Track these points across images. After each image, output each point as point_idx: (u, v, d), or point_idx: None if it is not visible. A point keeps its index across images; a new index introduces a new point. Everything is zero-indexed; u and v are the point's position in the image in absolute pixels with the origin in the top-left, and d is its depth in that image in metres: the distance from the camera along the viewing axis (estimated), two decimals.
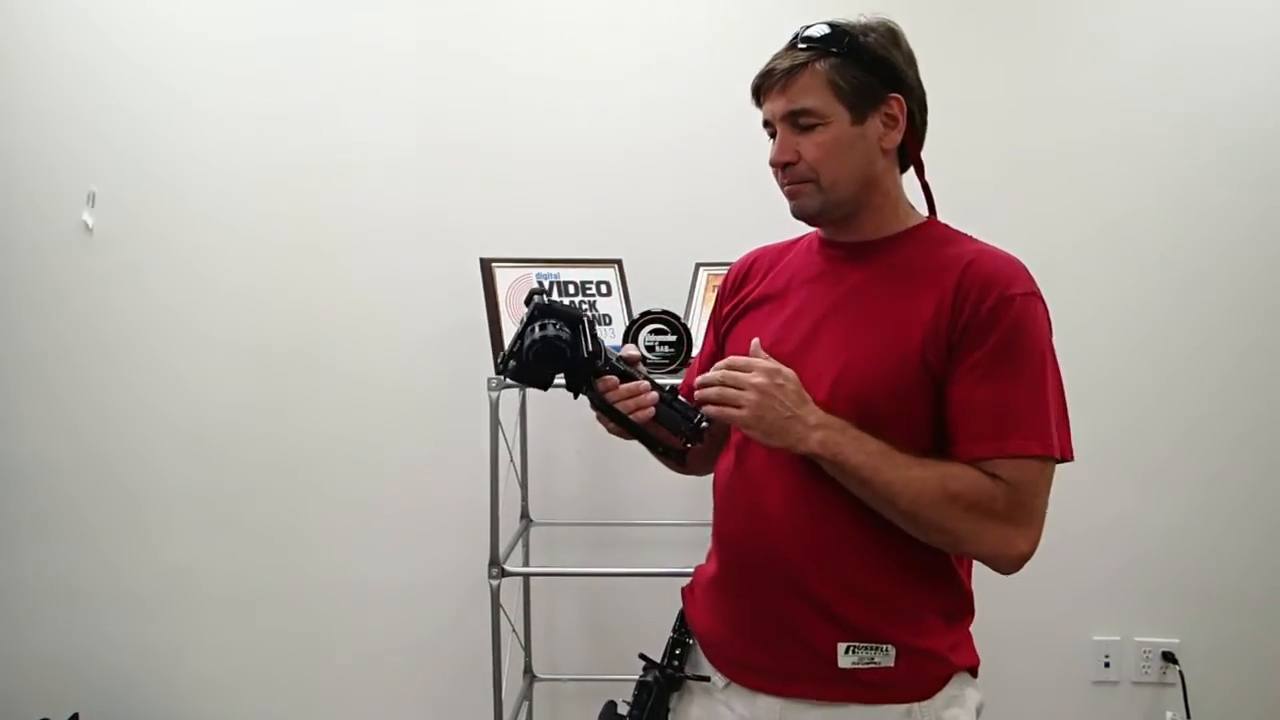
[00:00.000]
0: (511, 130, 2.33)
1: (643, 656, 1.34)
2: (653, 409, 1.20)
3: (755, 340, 1.17)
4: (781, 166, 1.20)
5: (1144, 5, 2.30)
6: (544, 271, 2.12)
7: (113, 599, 2.40)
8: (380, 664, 2.41)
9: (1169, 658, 2.35)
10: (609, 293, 2.15)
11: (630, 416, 1.20)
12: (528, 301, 1.19)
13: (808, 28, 1.19)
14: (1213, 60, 2.28)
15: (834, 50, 1.16)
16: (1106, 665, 2.37)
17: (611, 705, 1.38)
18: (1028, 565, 1.19)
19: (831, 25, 1.18)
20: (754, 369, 1.11)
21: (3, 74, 2.35)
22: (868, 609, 1.15)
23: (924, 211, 1.28)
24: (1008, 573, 1.15)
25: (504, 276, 2.09)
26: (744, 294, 1.34)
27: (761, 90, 1.21)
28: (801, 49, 1.17)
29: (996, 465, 1.10)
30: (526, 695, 2.34)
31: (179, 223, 2.36)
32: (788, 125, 1.18)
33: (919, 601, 1.18)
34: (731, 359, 1.15)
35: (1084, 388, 2.31)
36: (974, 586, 1.30)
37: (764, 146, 1.23)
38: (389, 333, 2.36)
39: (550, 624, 2.42)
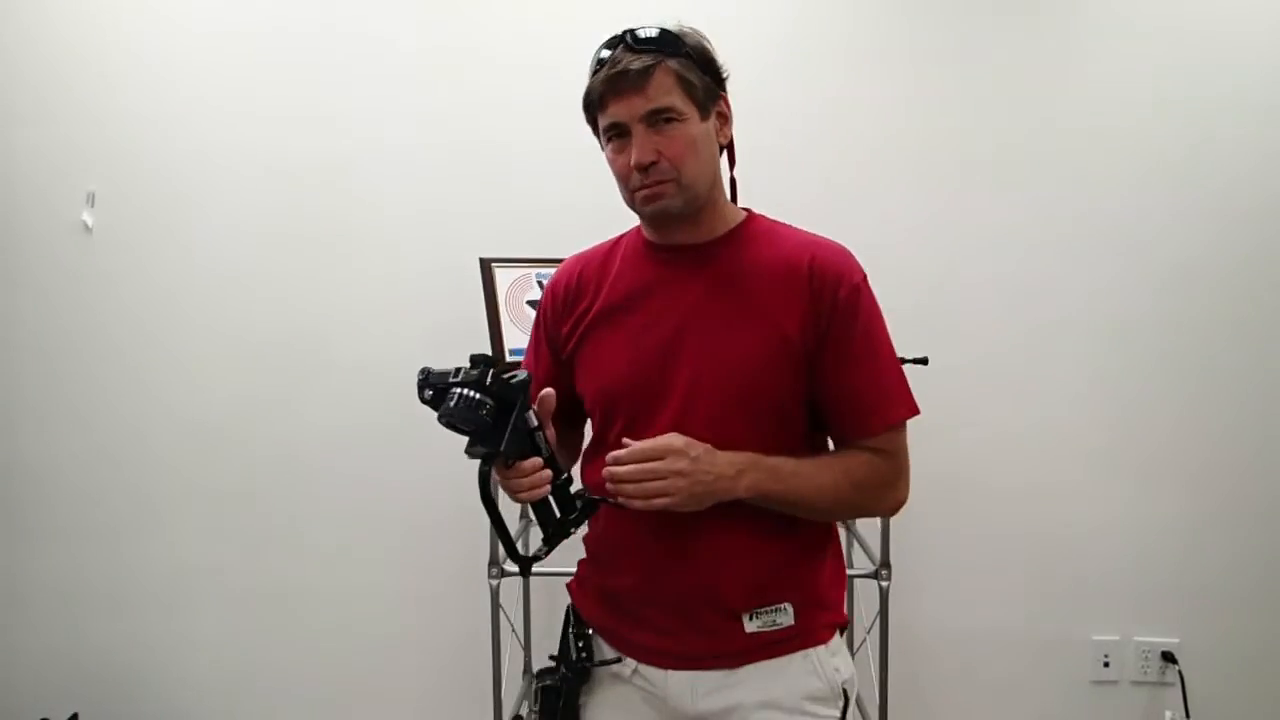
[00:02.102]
0: (512, 129, 2.33)
1: (553, 658, 1.37)
2: (547, 489, 1.16)
3: (626, 442, 1.16)
4: (644, 168, 1.19)
5: (1143, 5, 2.30)
6: (544, 272, 2.12)
7: (113, 599, 2.40)
8: (380, 663, 2.42)
9: (1168, 657, 2.35)
10: None
11: (515, 497, 1.17)
12: (473, 363, 1.12)
13: (638, 30, 1.21)
14: (1200, 53, 2.28)
15: (673, 51, 1.19)
16: (1106, 665, 2.37)
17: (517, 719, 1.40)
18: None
19: (659, 31, 1.21)
20: (668, 453, 1.14)
21: (3, 73, 2.35)
22: (762, 579, 1.23)
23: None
24: (893, 515, 1.33)
25: (504, 276, 2.09)
26: (582, 309, 1.32)
27: (609, 94, 1.19)
28: (642, 50, 1.18)
29: (878, 440, 1.23)
30: (526, 695, 2.34)
31: (181, 221, 2.37)
32: (644, 125, 1.18)
33: (806, 557, 1.27)
34: (636, 449, 1.14)
35: (1084, 387, 2.34)
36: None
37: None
38: (390, 331, 2.36)
39: (550, 624, 2.42)
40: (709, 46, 1.24)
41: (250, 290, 2.37)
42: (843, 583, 1.34)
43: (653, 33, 1.20)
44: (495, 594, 1.96)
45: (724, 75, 1.25)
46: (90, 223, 2.35)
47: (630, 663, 1.29)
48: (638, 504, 1.15)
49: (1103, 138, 2.30)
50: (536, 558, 1.22)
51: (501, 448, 1.11)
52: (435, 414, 1.11)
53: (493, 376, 1.10)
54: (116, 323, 2.38)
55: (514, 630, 2.23)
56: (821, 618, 1.27)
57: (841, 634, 1.32)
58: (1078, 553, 2.33)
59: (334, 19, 2.34)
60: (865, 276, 1.24)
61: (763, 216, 1.31)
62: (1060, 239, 2.31)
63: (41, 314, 2.38)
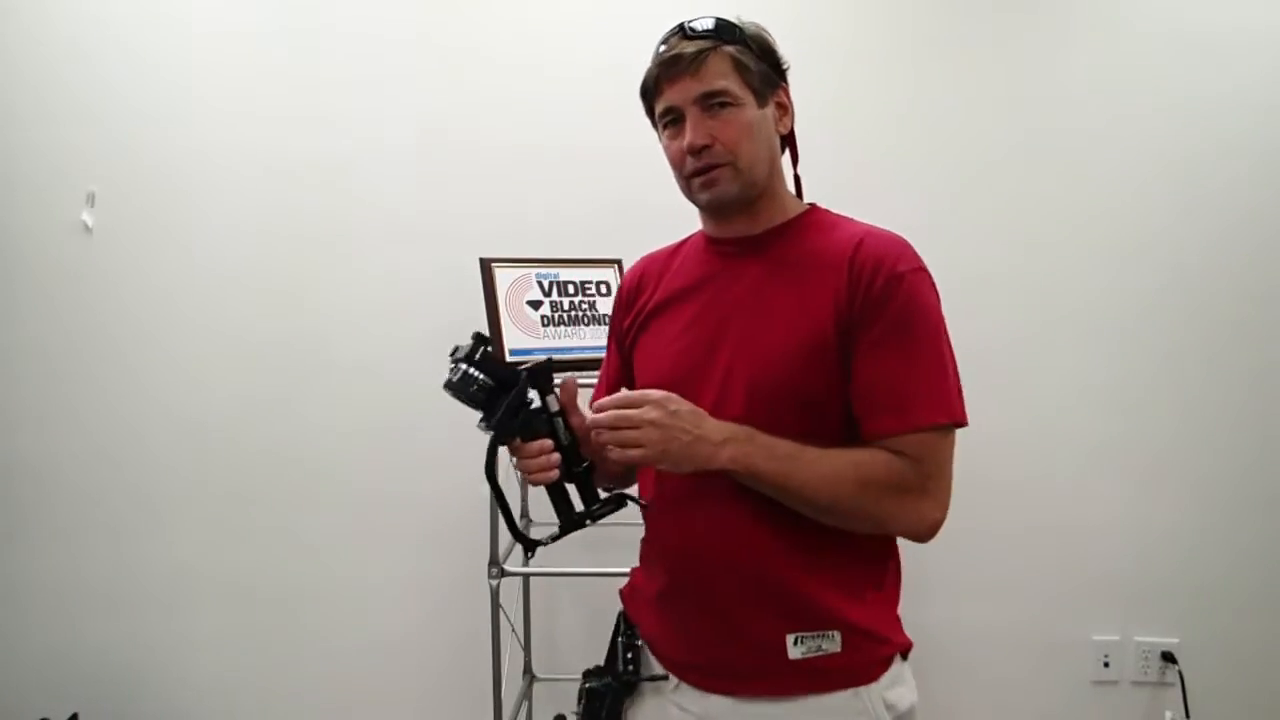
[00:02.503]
0: (512, 129, 2.33)
1: (587, 673, 1.35)
2: (555, 473, 1.16)
3: (622, 390, 1.16)
4: (698, 152, 1.18)
5: (1127, 1, 2.30)
6: (544, 272, 2.12)
7: (113, 598, 2.40)
8: (380, 664, 2.42)
9: (1168, 658, 2.35)
10: (608, 293, 2.15)
11: (525, 479, 1.18)
12: (476, 339, 1.15)
13: (694, 20, 1.20)
14: (1198, 53, 2.28)
15: (730, 39, 1.18)
16: (1106, 665, 2.37)
17: (560, 718, 1.38)
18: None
19: (718, 18, 1.20)
20: (645, 403, 1.11)
21: (4, 73, 2.35)
22: (809, 598, 1.16)
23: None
24: (924, 541, 1.16)
25: (504, 276, 2.09)
26: (641, 304, 1.34)
27: (664, 79, 1.19)
28: (697, 38, 1.18)
29: (901, 441, 1.13)
30: (526, 695, 2.34)
31: (181, 221, 2.37)
32: (699, 109, 1.18)
33: (855, 581, 1.19)
34: (618, 396, 1.13)
35: (1084, 387, 2.34)
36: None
37: None
38: (389, 332, 2.36)
39: (550, 624, 2.42)
40: (768, 37, 1.23)
41: (250, 290, 2.37)
42: (895, 598, 1.25)
43: (708, 22, 1.20)
44: (495, 594, 1.96)
45: (784, 66, 1.24)
46: (90, 223, 2.35)
47: (674, 680, 1.25)
48: (614, 455, 1.12)
49: (1104, 138, 2.30)
50: (541, 542, 1.21)
51: (492, 424, 1.12)
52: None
53: (482, 354, 1.13)
54: (116, 323, 2.38)
55: (514, 630, 2.23)
56: (873, 651, 1.18)
57: (904, 658, 1.24)
58: (1078, 553, 2.33)
59: (334, 19, 2.34)
60: (917, 269, 1.17)
61: (827, 211, 1.29)
62: (1062, 239, 2.31)
63: (41, 314, 2.38)
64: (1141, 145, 2.30)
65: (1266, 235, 2.30)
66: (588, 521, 1.19)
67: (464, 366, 1.12)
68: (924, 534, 1.16)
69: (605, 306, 2.16)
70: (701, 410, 1.13)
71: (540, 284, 2.10)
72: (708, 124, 1.18)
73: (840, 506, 1.14)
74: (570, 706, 2.43)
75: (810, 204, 1.29)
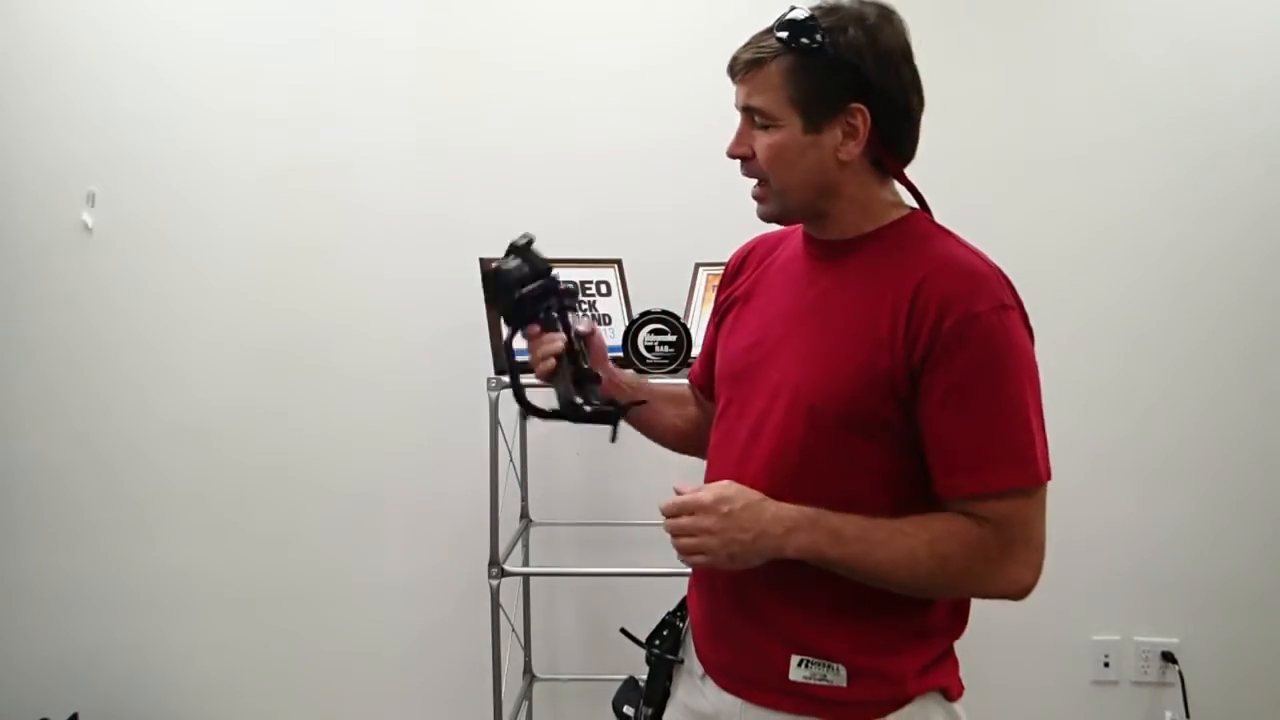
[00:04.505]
0: (511, 130, 2.33)
1: (624, 632, 1.34)
2: (551, 363, 1.24)
3: (675, 487, 1.13)
4: (735, 159, 1.15)
5: (1143, 5, 2.30)
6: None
7: (113, 599, 2.40)
8: (380, 664, 2.41)
9: (1168, 658, 2.35)
10: (608, 293, 2.15)
11: (533, 364, 1.26)
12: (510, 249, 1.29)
13: (789, 12, 1.09)
14: (1211, 59, 2.28)
15: (795, 48, 1.07)
16: (1106, 665, 2.37)
17: (633, 680, 1.37)
18: None
19: (800, 19, 1.07)
20: (696, 509, 1.07)
21: (3, 73, 2.35)
22: (823, 630, 1.11)
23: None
24: (1017, 600, 1.10)
25: None
26: (736, 285, 1.31)
27: (730, 74, 1.15)
28: (771, 40, 1.09)
29: (979, 505, 1.05)
30: (526, 695, 2.34)
31: (180, 223, 2.36)
32: (746, 117, 1.13)
33: (881, 624, 1.11)
34: (670, 504, 1.10)
35: (1084, 390, 2.34)
36: None
37: None
38: (389, 333, 2.36)
39: (550, 624, 2.42)
40: (862, 45, 1.06)
41: (249, 292, 2.37)
42: (939, 643, 1.15)
43: (789, 19, 1.08)
44: (495, 594, 1.96)
45: (868, 81, 1.06)
46: (90, 223, 2.35)
47: (699, 668, 1.23)
48: (683, 561, 1.11)
49: (1114, 141, 2.30)
50: (539, 411, 1.29)
51: (498, 301, 1.27)
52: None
53: (511, 246, 1.29)
54: (114, 326, 2.37)
55: (514, 630, 2.23)
56: (880, 690, 1.10)
57: (946, 700, 1.14)
58: (1078, 553, 2.32)
59: (334, 22, 2.34)
60: (998, 306, 1.04)
61: (925, 220, 1.18)
62: (1070, 243, 2.30)
63: (39, 317, 2.38)
64: (1145, 153, 2.30)
65: (1267, 241, 2.29)
66: (580, 411, 1.24)
67: (513, 256, 1.28)
68: (1014, 597, 1.08)
69: (605, 306, 2.16)
70: (759, 498, 1.07)
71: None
72: (751, 135, 1.12)
73: (918, 584, 1.07)
74: (571, 707, 2.44)
75: (911, 210, 1.18)
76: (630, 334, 2.02)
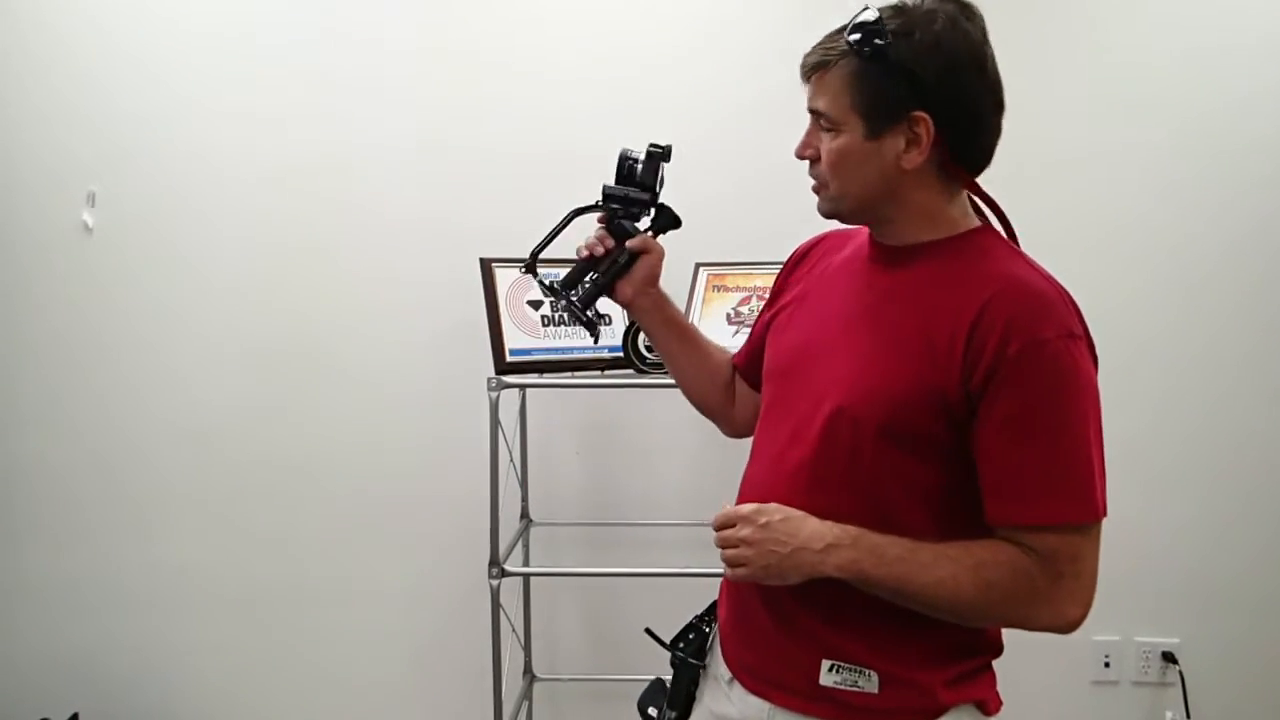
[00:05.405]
0: (511, 130, 2.33)
1: (649, 632, 1.34)
2: (586, 253, 1.36)
3: (724, 505, 1.13)
4: (801, 159, 1.15)
5: (1147, 6, 2.30)
6: (544, 271, 2.10)
7: (113, 599, 2.40)
8: (380, 664, 2.41)
9: (1169, 658, 2.35)
10: None
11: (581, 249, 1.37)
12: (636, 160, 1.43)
13: (861, 12, 1.06)
14: (1217, 59, 2.28)
15: (858, 52, 1.04)
16: (1106, 665, 2.37)
17: (660, 681, 1.36)
18: None
19: (869, 21, 1.04)
20: (736, 520, 1.08)
21: (3, 73, 2.35)
22: (855, 636, 1.10)
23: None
24: (1063, 634, 1.07)
25: (504, 276, 2.09)
26: (800, 273, 1.30)
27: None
28: (838, 43, 1.07)
29: (1030, 536, 1.02)
30: (526, 695, 2.34)
31: (180, 223, 2.36)
32: (814, 119, 1.12)
33: (916, 634, 1.09)
34: (716, 517, 1.11)
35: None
36: None
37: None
38: (389, 333, 2.36)
39: (550, 624, 2.42)
40: (926, 50, 1.04)
41: (248, 292, 2.37)
42: (975, 659, 1.13)
43: (858, 21, 1.05)
44: (495, 594, 1.96)
45: (929, 90, 1.05)
46: (91, 222, 2.35)
47: (727, 673, 1.22)
48: (727, 574, 1.11)
49: (1118, 143, 2.29)
50: (540, 279, 1.45)
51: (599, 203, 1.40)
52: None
53: (651, 147, 1.43)
54: (114, 326, 2.37)
55: (514, 630, 2.23)
56: (912, 699, 1.09)
57: (983, 711, 1.13)
58: None
59: (334, 21, 2.34)
60: (1065, 334, 1.01)
61: (994, 236, 1.15)
62: (1074, 245, 2.29)
63: (39, 317, 2.38)
64: (1148, 155, 2.29)
65: (1271, 242, 2.29)
66: (569, 300, 1.37)
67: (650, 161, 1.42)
68: (1061, 631, 1.05)
69: (605, 306, 2.15)
70: (798, 514, 1.07)
71: (541, 284, 2.09)
72: (816, 137, 1.12)
73: (961, 611, 1.05)
74: (571, 707, 2.44)
75: (982, 225, 1.16)
76: (630, 334, 2.02)
